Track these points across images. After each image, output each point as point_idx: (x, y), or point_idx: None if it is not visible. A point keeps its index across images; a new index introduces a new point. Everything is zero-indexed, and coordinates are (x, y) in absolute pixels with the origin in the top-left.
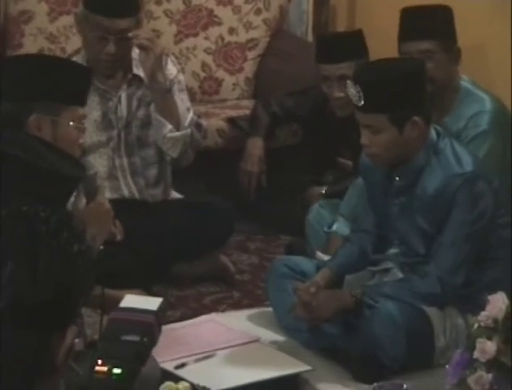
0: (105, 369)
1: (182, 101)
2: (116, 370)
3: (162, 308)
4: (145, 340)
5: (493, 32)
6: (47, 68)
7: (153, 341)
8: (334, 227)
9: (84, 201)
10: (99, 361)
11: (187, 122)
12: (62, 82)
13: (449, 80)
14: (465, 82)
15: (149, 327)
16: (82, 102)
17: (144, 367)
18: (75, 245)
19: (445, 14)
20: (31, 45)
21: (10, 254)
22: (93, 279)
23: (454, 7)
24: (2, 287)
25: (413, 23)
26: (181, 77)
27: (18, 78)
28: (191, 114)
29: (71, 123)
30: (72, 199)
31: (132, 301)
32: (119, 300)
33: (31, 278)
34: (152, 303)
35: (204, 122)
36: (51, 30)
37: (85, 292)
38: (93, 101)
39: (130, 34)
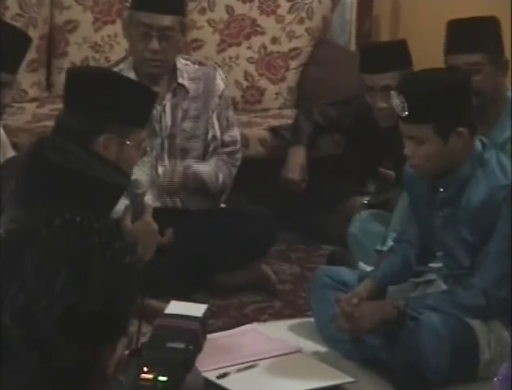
0: (151, 376)
1: (225, 125)
2: (162, 378)
3: (207, 314)
4: (191, 347)
5: None
6: (121, 90)
7: (198, 348)
8: (388, 244)
9: (129, 219)
10: (145, 369)
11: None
12: (134, 105)
13: (496, 92)
14: (509, 92)
15: (194, 333)
16: (146, 125)
17: (188, 376)
18: (127, 257)
19: (493, 25)
20: (75, 53)
21: (64, 264)
22: (141, 290)
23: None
24: (55, 297)
25: (461, 36)
26: (227, 93)
27: (92, 96)
28: (236, 147)
29: (133, 144)
30: (118, 214)
31: (178, 307)
32: (158, 309)
33: (84, 288)
34: (197, 309)
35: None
36: (96, 39)
37: (135, 303)
38: None
39: (173, 33)
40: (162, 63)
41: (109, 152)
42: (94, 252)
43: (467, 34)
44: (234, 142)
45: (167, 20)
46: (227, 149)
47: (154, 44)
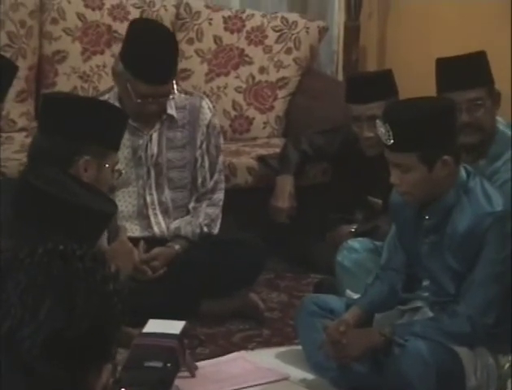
0: None
1: (215, 155)
2: None
3: (185, 331)
4: (169, 365)
5: None
6: (99, 113)
7: (176, 366)
8: None
9: (105, 241)
10: None
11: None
12: (109, 128)
13: (493, 126)
14: (500, 124)
15: (172, 351)
16: (119, 148)
17: None
18: (111, 284)
19: (484, 59)
20: (64, 83)
21: (48, 292)
22: (126, 317)
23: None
24: (40, 323)
25: (455, 73)
26: (216, 121)
27: (68, 119)
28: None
29: (107, 166)
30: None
31: (155, 325)
32: (133, 336)
33: (68, 315)
34: (175, 327)
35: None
36: (84, 69)
37: (119, 329)
38: (124, 137)
39: (172, 93)
40: (156, 114)
41: (88, 174)
42: (78, 279)
43: (463, 70)
44: (217, 189)
45: (166, 88)
46: (214, 196)
47: (153, 107)
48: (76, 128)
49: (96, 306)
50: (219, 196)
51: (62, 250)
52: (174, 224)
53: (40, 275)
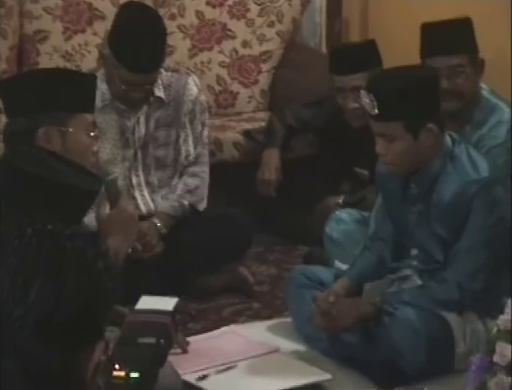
0: (122, 374)
1: (199, 130)
2: (134, 374)
3: (178, 307)
4: (162, 341)
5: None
6: (50, 79)
7: (170, 342)
8: None
9: (108, 207)
10: (116, 366)
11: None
12: (66, 91)
13: (475, 92)
14: (484, 91)
15: (165, 328)
16: (89, 109)
17: (167, 379)
18: (101, 262)
19: (469, 26)
20: (46, 63)
21: (38, 272)
22: (118, 294)
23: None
24: (30, 304)
25: (440, 38)
26: (202, 98)
27: (23, 93)
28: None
29: (80, 132)
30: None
31: (148, 302)
32: (124, 314)
33: (58, 295)
34: (167, 303)
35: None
36: (66, 48)
37: (111, 307)
38: (112, 118)
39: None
40: (146, 94)
41: (53, 144)
42: (67, 258)
43: (446, 36)
44: (199, 162)
45: (151, 77)
46: (196, 169)
47: (138, 93)
48: (28, 101)
49: (86, 285)
50: (202, 168)
51: (51, 230)
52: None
53: (29, 255)
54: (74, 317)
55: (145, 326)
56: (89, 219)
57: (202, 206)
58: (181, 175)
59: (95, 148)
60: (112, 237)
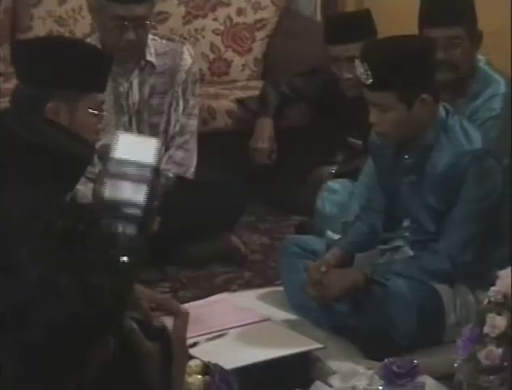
0: None
1: (190, 100)
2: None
3: (160, 154)
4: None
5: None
6: (66, 55)
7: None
8: (351, 211)
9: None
10: None
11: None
12: (81, 70)
13: (471, 65)
14: (480, 62)
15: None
16: (101, 89)
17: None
18: (124, 258)
19: None
20: (40, 28)
21: (66, 268)
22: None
23: None
24: (57, 301)
25: (438, 9)
26: (195, 68)
27: (38, 64)
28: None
29: (89, 110)
30: (88, 198)
31: (127, 144)
32: None
33: (84, 292)
34: (147, 149)
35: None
36: (60, 13)
37: (127, 302)
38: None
39: (147, 20)
40: (137, 49)
41: (60, 118)
42: (94, 255)
43: (445, 7)
44: (185, 132)
45: (141, 9)
46: (181, 139)
47: (131, 35)
48: (43, 72)
49: (109, 281)
50: (188, 139)
51: (79, 225)
52: None
53: (58, 250)
54: (95, 314)
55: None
56: (85, 189)
57: (189, 175)
58: (168, 146)
59: (100, 126)
60: None
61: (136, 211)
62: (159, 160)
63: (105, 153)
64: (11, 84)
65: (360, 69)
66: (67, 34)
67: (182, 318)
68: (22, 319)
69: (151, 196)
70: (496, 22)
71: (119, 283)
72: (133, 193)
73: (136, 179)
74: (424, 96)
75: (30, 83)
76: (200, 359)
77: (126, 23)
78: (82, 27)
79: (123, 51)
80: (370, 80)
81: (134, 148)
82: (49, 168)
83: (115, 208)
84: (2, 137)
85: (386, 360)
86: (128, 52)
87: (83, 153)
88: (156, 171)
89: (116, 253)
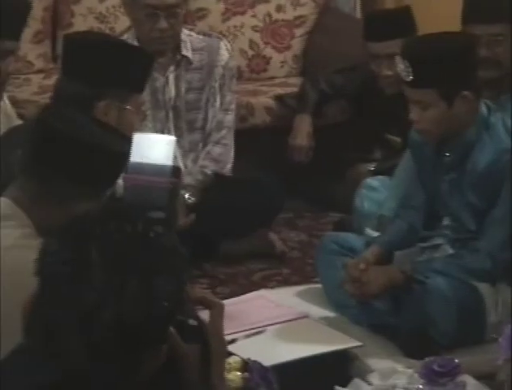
0: None
1: (227, 96)
2: None
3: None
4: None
5: None
6: (119, 54)
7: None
8: (387, 207)
9: None
10: None
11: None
12: (132, 70)
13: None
14: None
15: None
16: (143, 90)
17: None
18: (185, 264)
19: None
20: (80, 24)
21: (133, 272)
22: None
23: None
24: (123, 305)
25: (481, 6)
26: (233, 63)
27: (90, 62)
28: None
29: (132, 109)
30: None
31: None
32: None
33: (150, 297)
34: (164, 149)
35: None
36: (100, 10)
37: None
38: None
39: (179, 10)
40: (170, 40)
41: (109, 117)
42: (162, 261)
43: (489, 4)
44: (222, 128)
45: None
46: (218, 135)
47: (163, 23)
48: (96, 71)
49: (175, 285)
50: (225, 134)
51: (148, 231)
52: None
53: (127, 253)
54: (159, 320)
55: (146, 194)
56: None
57: (227, 171)
58: (206, 142)
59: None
60: None
61: (159, 213)
62: (175, 158)
63: None
64: (52, 80)
65: (401, 66)
66: (107, 31)
67: (217, 310)
68: (89, 321)
69: (172, 195)
70: None
71: (180, 287)
72: (153, 194)
73: (155, 180)
74: (465, 93)
75: (79, 78)
76: (239, 356)
77: (157, 12)
78: (122, 23)
79: (156, 42)
80: (411, 77)
81: (151, 148)
82: (97, 167)
83: (137, 210)
84: (46, 134)
85: (426, 359)
86: (161, 43)
87: (126, 150)
88: (174, 169)
89: (178, 258)
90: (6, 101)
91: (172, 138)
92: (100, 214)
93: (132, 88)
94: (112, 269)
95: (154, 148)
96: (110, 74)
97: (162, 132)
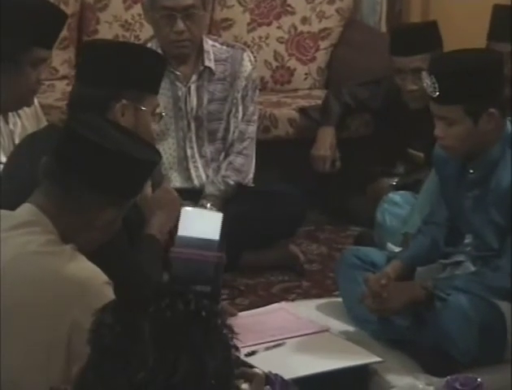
0: None
1: (249, 107)
2: None
3: (224, 229)
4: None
5: None
6: (132, 56)
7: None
8: (411, 224)
9: (149, 189)
10: None
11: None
12: (146, 71)
13: None
14: None
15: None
16: (158, 91)
17: None
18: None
19: None
20: (106, 32)
21: (184, 348)
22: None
23: None
24: (175, 381)
25: (506, 23)
26: (255, 75)
27: (104, 65)
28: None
29: (148, 111)
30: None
31: (190, 219)
32: None
33: (200, 374)
34: (212, 223)
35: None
36: (126, 17)
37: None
38: (164, 87)
39: (196, 11)
40: (189, 43)
41: (125, 119)
42: (214, 337)
43: None
44: (244, 139)
45: (189, 1)
46: (240, 146)
47: (180, 25)
48: (110, 73)
49: (225, 366)
50: (247, 145)
51: (201, 310)
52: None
53: (179, 330)
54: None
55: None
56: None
57: (248, 182)
58: (227, 152)
59: (157, 128)
60: (156, 216)
61: (206, 287)
62: (223, 234)
63: (156, 170)
64: None
65: (427, 81)
66: (132, 38)
67: (258, 381)
68: None
69: (217, 269)
70: None
71: (227, 364)
72: (201, 268)
73: (202, 254)
74: (492, 110)
75: (95, 82)
76: (258, 368)
77: (174, 13)
78: (147, 31)
79: (175, 46)
80: (438, 93)
81: (199, 222)
82: (122, 175)
83: (188, 286)
84: (72, 141)
85: (448, 377)
86: (180, 46)
87: (152, 159)
88: (220, 244)
89: (224, 335)
90: (37, 105)
91: (220, 214)
92: (154, 291)
93: (147, 89)
94: (164, 346)
95: (201, 222)
96: (126, 75)
97: (184, 142)
